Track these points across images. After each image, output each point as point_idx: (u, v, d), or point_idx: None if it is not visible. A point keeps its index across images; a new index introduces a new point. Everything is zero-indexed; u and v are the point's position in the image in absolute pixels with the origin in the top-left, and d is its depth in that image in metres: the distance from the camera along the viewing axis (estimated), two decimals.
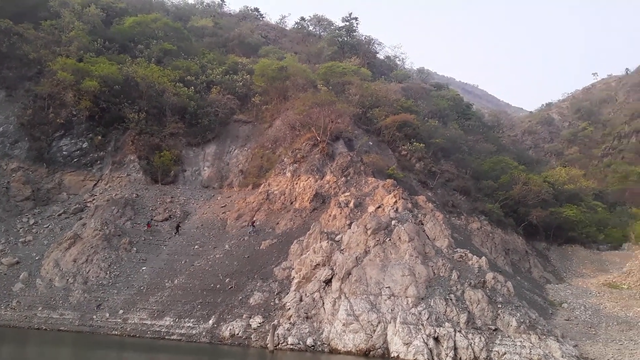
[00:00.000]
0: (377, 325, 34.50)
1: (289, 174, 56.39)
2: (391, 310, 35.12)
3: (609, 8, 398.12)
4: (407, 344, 32.92)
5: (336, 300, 36.88)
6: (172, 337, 37.85)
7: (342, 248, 40.81)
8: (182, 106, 64.75)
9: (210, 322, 38.46)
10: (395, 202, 45.40)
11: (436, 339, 33.29)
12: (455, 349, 32.86)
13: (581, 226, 66.00)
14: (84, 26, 69.01)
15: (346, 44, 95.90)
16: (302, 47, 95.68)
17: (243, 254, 46.54)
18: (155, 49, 72.10)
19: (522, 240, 61.92)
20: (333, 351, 34.15)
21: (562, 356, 32.62)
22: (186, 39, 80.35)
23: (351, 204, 47.51)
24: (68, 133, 59.13)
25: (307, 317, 36.85)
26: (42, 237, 49.82)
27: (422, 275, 36.84)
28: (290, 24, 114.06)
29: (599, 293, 50.21)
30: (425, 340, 32.95)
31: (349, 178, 53.92)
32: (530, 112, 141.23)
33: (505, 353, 32.68)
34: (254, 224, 50.47)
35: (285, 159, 58.61)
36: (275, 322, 36.67)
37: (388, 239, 39.93)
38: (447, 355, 32.59)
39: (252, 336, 36.49)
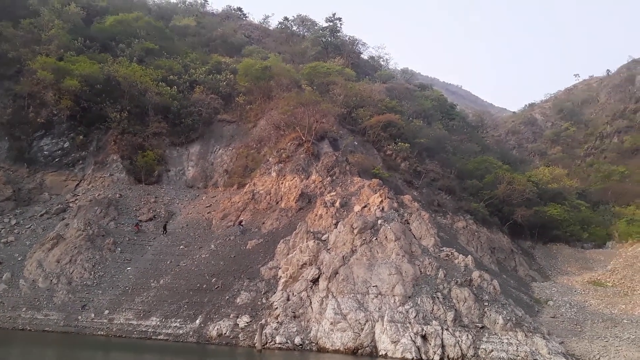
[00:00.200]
0: (364, 324, 34.41)
1: (274, 174, 56.13)
2: (378, 308, 35.06)
3: (591, 10, 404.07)
4: (394, 342, 32.89)
5: (323, 299, 36.72)
6: (159, 337, 37.43)
7: (328, 247, 40.66)
8: (165, 106, 64.12)
9: (197, 321, 38.09)
10: (381, 201, 45.41)
11: (424, 337, 33.31)
12: (442, 346, 32.92)
13: (565, 225, 66.75)
14: (64, 25, 67.83)
15: (330, 44, 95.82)
16: (286, 47, 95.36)
17: (229, 254, 46.19)
18: (137, 48, 71.26)
19: (507, 239, 62.42)
20: (321, 350, 34.00)
21: (549, 353, 32.86)
22: (168, 38, 79.64)
23: (337, 204, 47.41)
24: (49, 133, 58.22)
25: (294, 316, 36.65)
26: (24, 237, 48.96)
27: (408, 274, 36.84)
28: (273, 23, 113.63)
29: (584, 291, 50.77)
30: (413, 339, 32.95)
31: (334, 178, 53.84)
32: (514, 112, 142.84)
33: (492, 350, 32.82)
34: (241, 223, 50.14)
35: (270, 159, 58.34)
36: (263, 321, 36.41)
37: (374, 238, 39.88)
38: (434, 353, 32.63)
39: (239, 335, 36.19)
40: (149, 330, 38.18)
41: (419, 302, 35.14)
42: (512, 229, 65.57)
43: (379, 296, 35.72)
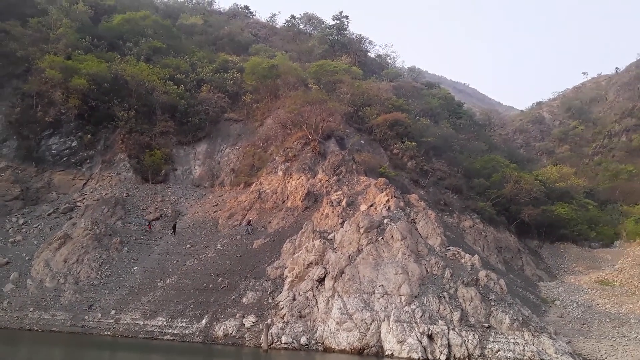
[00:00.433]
0: (370, 324, 34.36)
1: (280, 173, 56.15)
2: (384, 308, 35.00)
3: (599, 7, 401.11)
4: (401, 342, 32.83)
5: (329, 299, 36.71)
6: (165, 337, 37.54)
7: (334, 247, 40.63)
8: (172, 104, 64.37)
9: (204, 321, 38.17)
10: (388, 200, 45.34)
11: (430, 337, 33.24)
12: (449, 346, 32.83)
13: (573, 224, 66.32)
14: (72, 23, 68.22)
15: (337, 43, 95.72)
16: (293, 45, 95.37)
17: (235, 253, 46.25)
18: (145, 47, 71.54)
19: (514, 238, 62.10)
20: (327, 350, 33.97)
21: (556, 353, 32.71)
22: (176, 37, 79.84)
23: (343, 203, 47.37)
24: (57, 132, 58.52)
25: (300, 316, 36.66)
26: (31, 237, 49.28)
27: (415, 274, 36.75)
28: (280, 22, 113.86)
29: (591, 290, 50.46)
30: (419, 338, 32.87)
31: (340, 177, 53.80)
32: (521, 110, 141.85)
33: (499, 350, 32.71)
34: (250, 223, 50.19)
35: (276, 158, 58.38)
36: (269, 321, 36.45)
37: (381, 237, 39.80)
38: (441, 352, 32.54)
39: (245, 335, 36.24)
40: (156, 330, 38.32)
41: (425, 302, 35.06)
42: (519, 228, 65.23)
43: (385, 296, 35.66)
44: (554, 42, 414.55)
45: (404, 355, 32.19)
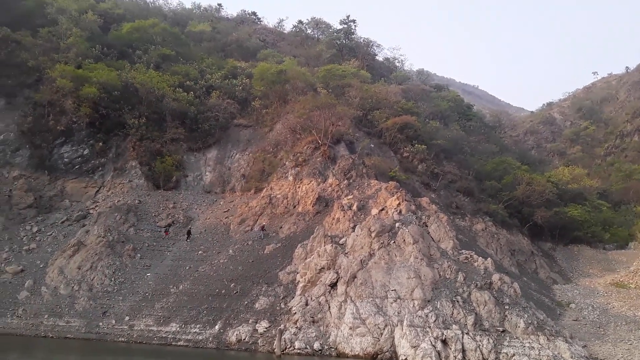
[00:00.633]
0: (384, 329, 34.23)
1: (291, 178, 56.20)
2: (398, 313, 34.85)
3: (608, 6, 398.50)
4: (414, 347, 32.64)
5: (342, 303, 36.63)
6: (178, 343, 37.63)
7: (346, 251, 40.56)
8: (182, 111, 64.71)
9: (217, 327, 38.22)
10: (399, 204, 45.20)
11: (444, 342, 33.01)
12: (463, 351, 32.58)
13: (586, 226, 65.69)
14: (82, 33, 68.87)
15: (345, 47, 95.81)
16: (301, 50, 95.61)
17: (247, 259, 46.32)
18: (154, 55, 72.09)
19: (527, 240, 61.63)
20: (340, 355, 33.89)
21: (572, 357, 32.32)
22: (184, 44, 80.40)
23: (354, 207, 47.30)
24: (69, 140, 58.99)
25: (313, 321, 36.61)
26: (45, 244, 49.67)
27: (427, 278, 36.57)
28: (288, 27, 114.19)
29: (606, 293, 49.90)
30: (433, 343, 32.66)
31: (351, 181, 53.73)
32: (532, 112, 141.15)
33: (514, 354, 32.39)
34: (264, 228, 50.25)
35: (287, 163, 58.45)
36: (282, 326, 36.42)
37: (392, 241, 39.68)
38: (455, 357, 32.28)
39: (258, 341, 36.24)
40: (169, 336, 38.42)
41: (438, 306, 34.86)
42: (532, 230, 64.76)
43: (398, 300, 35.52)
44: (564, 42, 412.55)
45: None
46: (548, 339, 33.53)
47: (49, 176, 56.68)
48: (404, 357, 32.65)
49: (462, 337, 33.13)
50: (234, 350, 35.99)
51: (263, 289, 41.30)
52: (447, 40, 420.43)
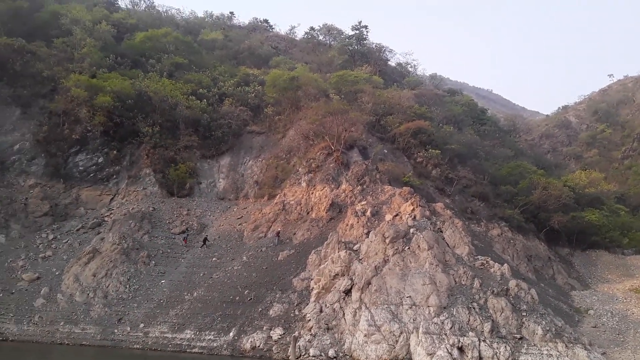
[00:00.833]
0: (399, 336, 33.91)
1: (304, 184, 56.11)
2: (413, 320, 34.52)
3: (624, 8, 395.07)
4: (430, 355, 32.27)
5: (357, 310, 36.37)
6: (193, 350, 37.66)
7: (360, 257, 40.32)
8: (195, 119, 65.01)
9: (231, 334, 38.15)
10: (413, 209, 44.90)
11: (460, 349, 32.61)
12: (480, 358, 32.17)
13: (604, 230, 64.45)
14: (96, 42, 69.59)
15: (357, 53, 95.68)
16: (313, 56, 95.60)
17: (261, 265, 46.26)
18: (167, 63, 72.62)
19: (544, 246, 60.74)
20: None
21: None
22: (197, 52, 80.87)
23: (368, 213, 47.06)
24: (83, 148, 59.47)
25: (327, 328, 36.39)
26: (61, 252, 50.01)
27: (443, 284, 36.21)
28: (300, 34, 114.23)
29: (625, 299, 49.00)
30: (449, 350, 32.27)
31: (364, 186, 53.50)
32: (547, 115, 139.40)
33: None
34: (279, 234, 50.17)
35: (300, 169, 58.40)
36: (296, 333, 36.24)
37: (407, 247, 39.37)
38: None
39: (273, 348, 36.10)
40: (184, 343, 38.45)
41: (454, 313, 34.47)
42: (549, 235, 63.82)
43: (413, 307, 35.19)
44: (579, 44, 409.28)
45: None
46: (566, 346, 33.00)
47: (64, 184, 57.14)
48: None
49: (479, 345, 32.73)
50: (248, 358, 35.96)
51: (277, 295, 41.18)
52: (460, 45, 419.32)
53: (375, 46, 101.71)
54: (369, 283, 37.22)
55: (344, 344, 35.05)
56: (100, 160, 59.69)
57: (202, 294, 43.49)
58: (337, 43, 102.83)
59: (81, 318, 41.70)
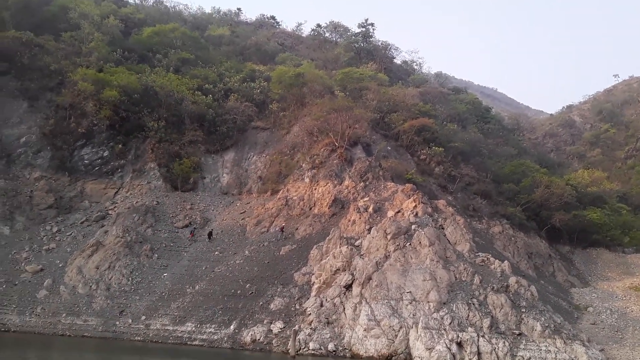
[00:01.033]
0: (398, 330, 34.21)
1: (307, 180, 56.39)
2: (413, 315, 34.81)
3: (630, 8, 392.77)
4: (429, 349, 32.57)
5: (357, 305, 36.67)
6: (194, 343, 38.01)
7: (362, 253, 40.60)
8: (201, 114, 65.39)
9: (232, 327, 38.51)
10: (415, 206, 45.09)
11: (459, 344, 32.90)
12: (479, 354, 32.45)
13: (605, 229, 64.60)
14: (104, 37, 70.06)
15: (363, 50, 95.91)
16: (319, 53, 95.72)
17: (263, 260, 46.58)
18: (174, 58, 73.01)
19: (545, 243, 60.91)
20: (355, 356, 33.99)
21: None
22: (204, 48, 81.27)
23: (370, 209, 47.30)
24: (89, 142, 59.93)
25: (328, 323, 36.70)
26: (65, 244, 50.46)
27: (443, 280, 36.48)
28: (306, 31, 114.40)
29: (625, 296, 49.21)
30: (448, 346, 32.57)
31: (367, 183, 53.74)
32: (551, 114, 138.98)
33: (530, 358, 32.22)
34: (283, 229, 50.50)
35: (303, 165, 58.67)
36: (296, 327, 36.57)
37: (408, 243, 39.62)
38: None
39: (273, 341, 36.45)
40: (185, 335, 38.82)
41: (454, 309, 34.74)
42: (550, 233, 63.97)
43: (413, 302, 35.47)
44: (584, 44, 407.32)
45: None
46: (565, 342, 33.26)
47: (69, 177, 57.61)
48: (418, 359, 32.60)
49: (478, 340, 33.01)
50: (248, 351, 36.27)
51: (278, 289, 41.52)
52: (465, 43, 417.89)
53: (381, 44, 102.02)
54: (369, 278, 37.52)
55: (343, 338, 35.37)
56: (105, 153, 60.13)
57: (203, 288, 43.86)
58: (343, 40, 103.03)
59: (83, 310, 42.09)
